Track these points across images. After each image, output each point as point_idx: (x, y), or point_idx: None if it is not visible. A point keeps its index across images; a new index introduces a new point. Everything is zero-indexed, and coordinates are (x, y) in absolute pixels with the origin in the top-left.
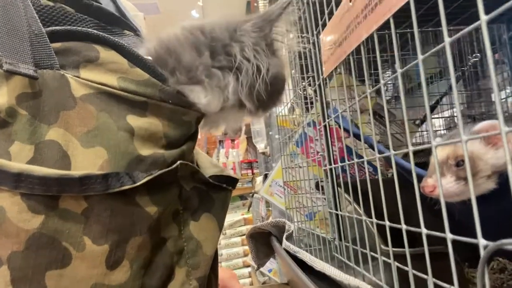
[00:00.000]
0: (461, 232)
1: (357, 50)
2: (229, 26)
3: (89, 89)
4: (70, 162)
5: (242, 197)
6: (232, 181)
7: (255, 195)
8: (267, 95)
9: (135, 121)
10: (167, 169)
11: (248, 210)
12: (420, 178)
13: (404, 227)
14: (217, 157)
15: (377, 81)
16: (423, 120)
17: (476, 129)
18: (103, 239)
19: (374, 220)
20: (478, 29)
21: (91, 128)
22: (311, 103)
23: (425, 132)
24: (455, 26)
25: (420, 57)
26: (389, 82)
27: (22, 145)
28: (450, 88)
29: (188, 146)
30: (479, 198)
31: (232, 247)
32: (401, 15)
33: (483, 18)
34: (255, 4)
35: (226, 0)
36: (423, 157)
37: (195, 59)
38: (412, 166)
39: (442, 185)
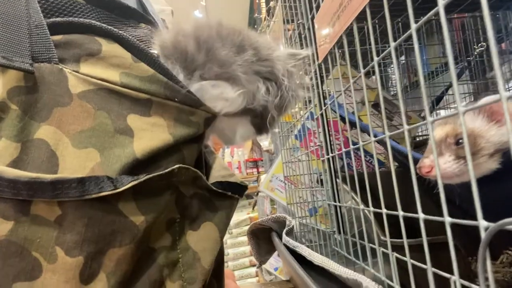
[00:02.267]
0: (463, 219)
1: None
2: (267, 45)
3: (88, 85)
4: (58, 163)
5: (248, 196)
6: (238, 189)
7: (259, 193)
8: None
9: (136, 121)
10: (156, 174)
11: (253, 209)
12: (417, 161)
13: (401, 213)
14: (223, 156)
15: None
16: (430, 111)
17: (477, 105)
18: (77, 250)
19: (371, 208)
20: (483, 17)
21: (85, 127)
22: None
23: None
24: (459, 13)
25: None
26: (393, 76)
27: (8, 142)
28: (458, 76)
29: (191, 149)
30: (481, 179)
31: (238, 247)
32: (400, 2)
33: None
34: (257, 1)
35: (229, 0)
36: (424, 148)
37: (234, 55)
38: (408, 148)
39: (439, 165)
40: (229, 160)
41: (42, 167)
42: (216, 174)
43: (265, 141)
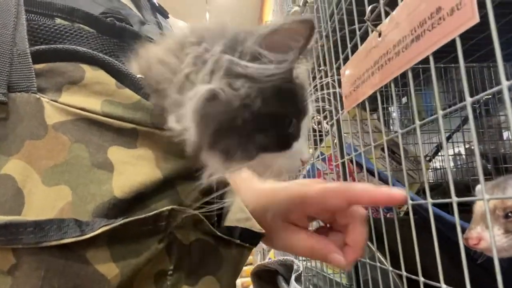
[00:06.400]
0: None
1: None
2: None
3: (66, 116)
4: (24, 202)
5: None
6: (251, 236)
7: None
8: None
9: (118, 154)
10: (136, 217)
11: None
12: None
13: (421, 279)
14: None
15: (389, 114)
16: (433, 156)
17: None
18: None
19: (404, 273)
20: (490, 67)
21: (59, 162)
22: (320, 135)
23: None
24: (468, 63)
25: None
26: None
27: None
28: (463, 122)
29: (187, 186)
30: None
31: None
32: None
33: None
34: None
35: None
36: (435, 196)
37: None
38: (456, 220)
39: (488, 238)
40: None
41: (5, 207)
42: (232, 218)
43: None
